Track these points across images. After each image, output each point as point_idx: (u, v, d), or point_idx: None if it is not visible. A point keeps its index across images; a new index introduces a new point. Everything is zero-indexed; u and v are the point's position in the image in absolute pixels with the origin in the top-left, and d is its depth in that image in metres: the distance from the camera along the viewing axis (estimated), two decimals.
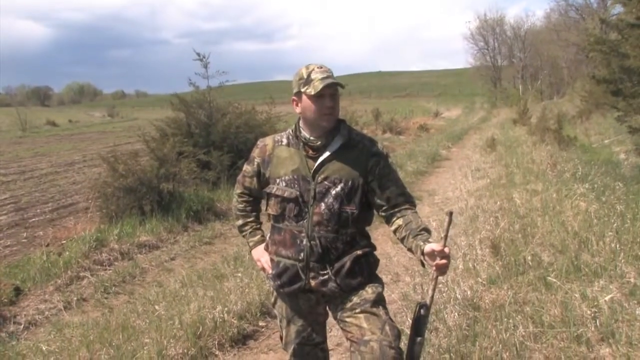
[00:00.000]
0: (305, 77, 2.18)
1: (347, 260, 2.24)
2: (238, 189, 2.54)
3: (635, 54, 8.11)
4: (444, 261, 2.04)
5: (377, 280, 2.35)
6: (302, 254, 2.24)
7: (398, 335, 2.22)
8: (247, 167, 2.46)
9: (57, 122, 37.52)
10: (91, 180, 8.43)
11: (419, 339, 2.18)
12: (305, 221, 2.23)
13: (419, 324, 2.18)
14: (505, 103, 40.20)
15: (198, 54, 9.98)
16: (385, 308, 2.28)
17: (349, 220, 2.22)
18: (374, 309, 2.23)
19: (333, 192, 2.20)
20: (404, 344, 2.26)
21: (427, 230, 2.17)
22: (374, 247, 2.37)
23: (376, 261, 2.39)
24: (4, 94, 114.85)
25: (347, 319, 2.25)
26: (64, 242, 6.43)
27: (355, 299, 2.25)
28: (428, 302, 2.18)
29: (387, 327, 2.19)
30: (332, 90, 2.18)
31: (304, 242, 2.23)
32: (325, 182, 2.21)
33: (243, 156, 9.10)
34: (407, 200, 2.28)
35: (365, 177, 2.24)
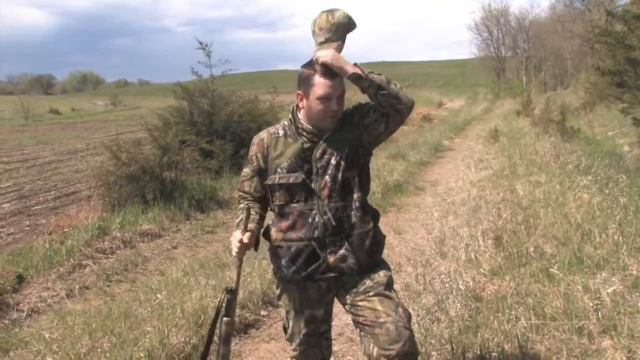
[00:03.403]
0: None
1: (365, 238, 2.27)
2: (239, 192, 2.46)
3: None
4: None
5: (386, 264, 2.40)
6: (316, 232, 2.24)
7: (409, 317, 2.27)
8: (245, 170, 2.41)
9: (60, 111, 37.61)
10: (94, 168, 8.42)
11: (226, 319, 2.27)
12: (314, 199, 2.24)
13: (228, 306, 2.28)
14: (508, 94, 39.90)
15: (201, 43, 9.98)
16: (395, 291, 2.31)
17: (352, 186, 2.25)
18: (387, 292, 2.25)
19: (333, 161, 2.23)
20: None
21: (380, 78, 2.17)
22: (378, 214, 2.41)
23: (384, 238, 2.43)
24: (6, 82, 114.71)
25: (360, 303, 2.25)
26: (67, 230, 6.44)
27: (368, 282, 2.27)
28: (234, 286, 2.33)
29: (400, 309, 2.22)
30: (338, 93, 2.20)
31: (317, 219, 2.23)
32: (325, 156, 2.24)
33: (245, 145, 9.07)
34: None
35: (359, 135, 2.27)
